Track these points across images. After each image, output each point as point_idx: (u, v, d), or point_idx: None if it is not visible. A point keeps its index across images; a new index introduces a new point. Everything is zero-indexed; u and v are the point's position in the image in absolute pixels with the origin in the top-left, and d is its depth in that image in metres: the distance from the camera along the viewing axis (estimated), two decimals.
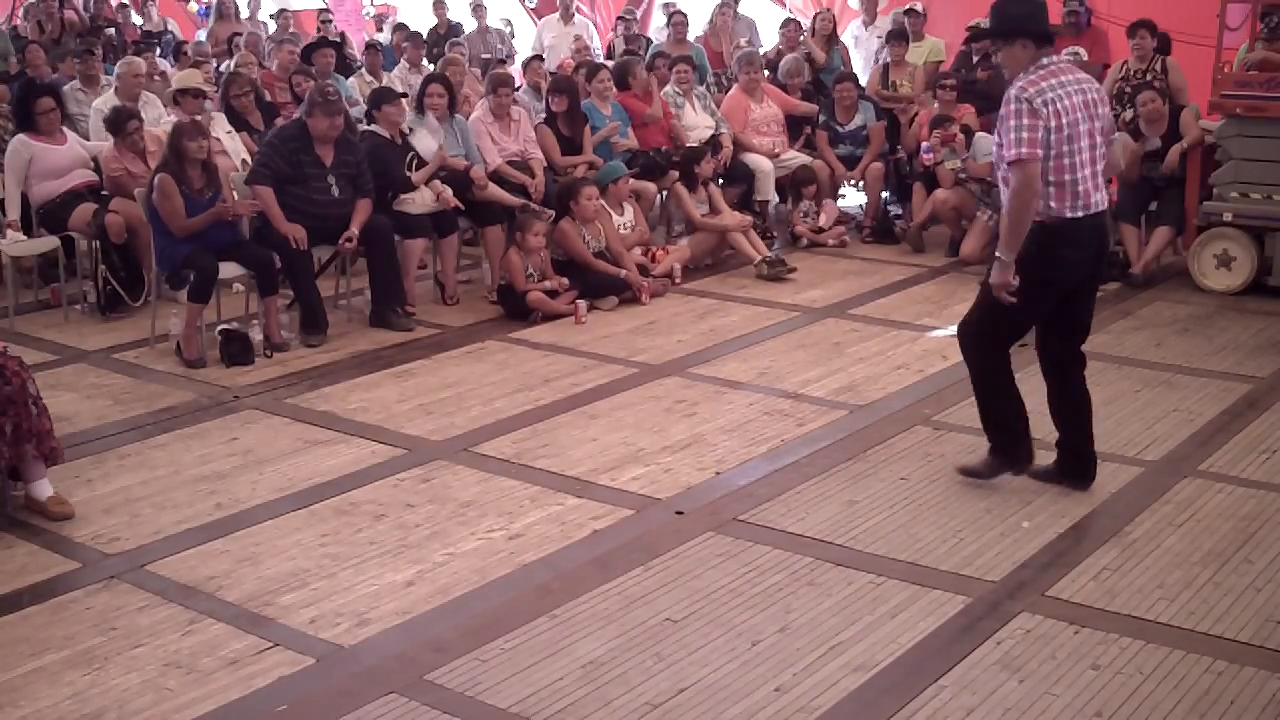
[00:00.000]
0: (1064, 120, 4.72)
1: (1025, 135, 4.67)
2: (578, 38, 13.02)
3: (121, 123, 8.14)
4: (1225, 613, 4.22)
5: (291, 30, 13.78)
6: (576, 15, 14.02)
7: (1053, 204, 4.78)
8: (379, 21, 16.50)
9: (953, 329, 7.33)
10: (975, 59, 10.80)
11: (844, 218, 10.15)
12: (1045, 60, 4.80)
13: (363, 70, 11.40)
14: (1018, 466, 5.20)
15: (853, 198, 10.88)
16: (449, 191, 8.12)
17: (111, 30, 12.92)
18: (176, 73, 9.88)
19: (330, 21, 15.04)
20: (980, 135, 9.34)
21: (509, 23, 15.31)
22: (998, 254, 4.84)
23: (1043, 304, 4.97)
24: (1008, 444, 5.18)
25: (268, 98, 9.73)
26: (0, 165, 8.24)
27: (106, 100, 8.96)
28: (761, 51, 11.68)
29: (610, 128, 9.39)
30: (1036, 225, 4.77)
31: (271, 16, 15.23)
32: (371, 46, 12.15)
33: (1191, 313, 7.82)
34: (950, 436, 5.80)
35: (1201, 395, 6.32)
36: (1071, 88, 4.78)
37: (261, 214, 7.44)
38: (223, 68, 11.57)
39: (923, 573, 4.52)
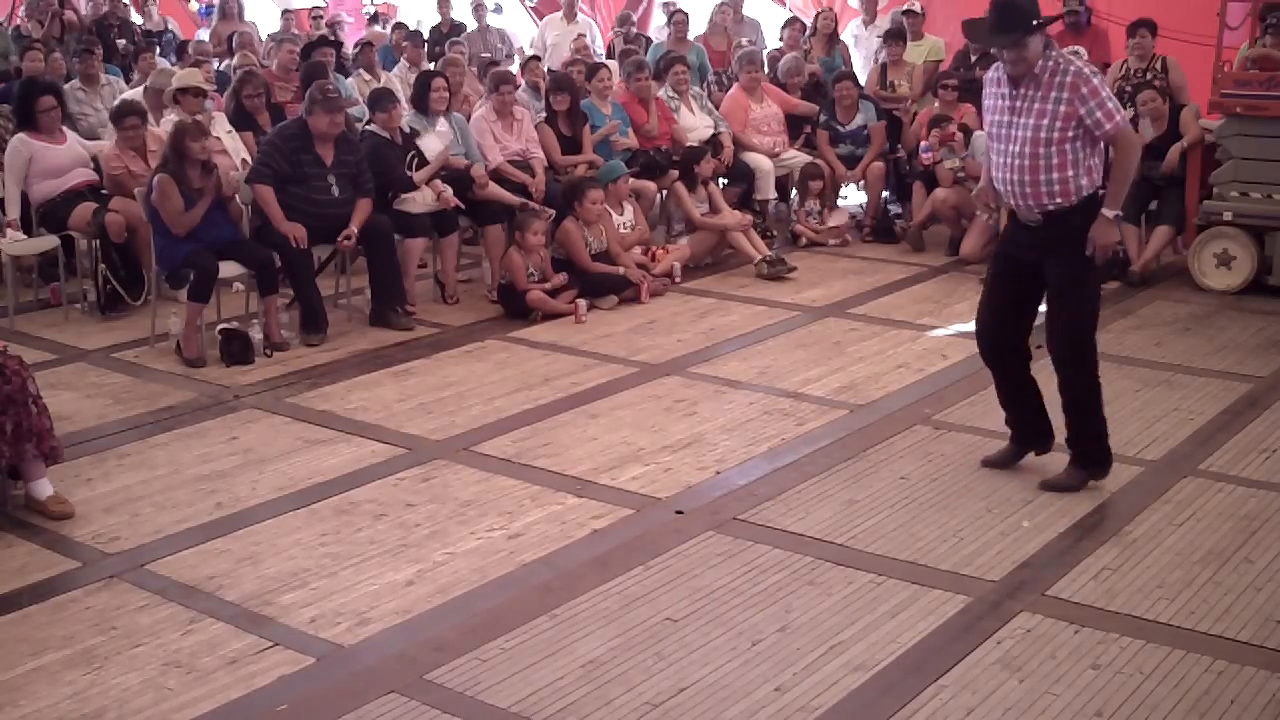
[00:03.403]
0: None
1: (1117, 102, 4.97)
2: (579, 36, 13.01)
3: (123, 116, 8.14)
4: (1225, 612, 4.22)
5: (293, 30, 13.78)
6: (578, 14, 14.01)
7: (1097, 176, 4.99)
8: (382, 20, 16.47)
9: (953, 329, 7.41)
10: (974, 58, 10.80)
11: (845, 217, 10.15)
12: (1051, 44, 4.99)
13: (361, 70, 11.40)
14: (1103, 473, 5.21)
15: (853, 197, 10.88)
16: (449, 191, 8.12)
17: (117, 35, 12.91)
18: (178, 72, 9.87)
19: (334, 23, 15.07)
20: (979, 134, 9.34)
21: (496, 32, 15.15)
22: (1109, 211, 4.93)
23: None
24: (1101, 451, 5.19)
25: (273, 98, 9.72)
26: (0, 164, 8.24)
27: (134, 95, 8.97)
28: (765, 52, 11.68)
29: (610, 126, 9.39)
30: (1089, 198, 4.96)
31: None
32: (367, 44, 12.14)
33: (1191, 312, 7.82)
34: (950, 436, 5.80)
35: (1201, 395, 6.32)
36: None
37: (261, 213, 7.44)
38: (223, 66, 11.57)
39: (923, 572, 4.52)
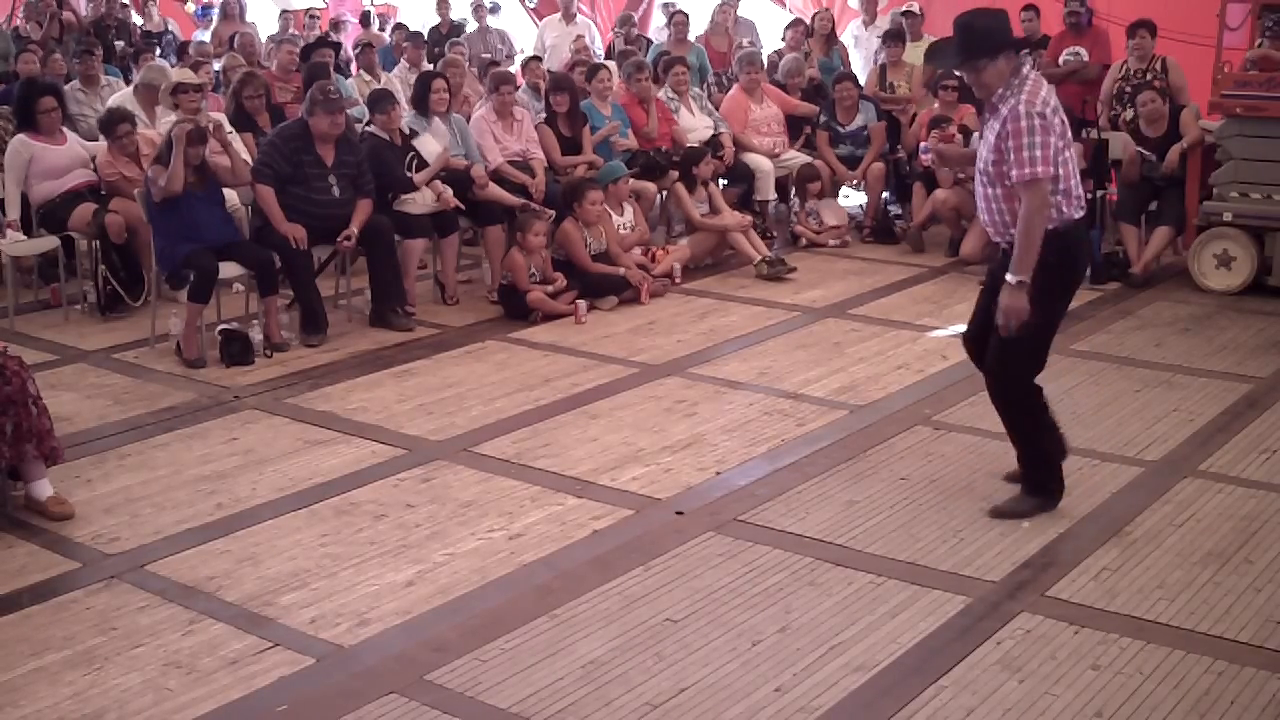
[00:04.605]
0: (1064, 126, 4.72)
1: (1039, 153, 4.57)
2: (579, 37, 13.02)
3: (112, 125, 8.14)
4: (1225, 613, 4.22)
5: (292, 30, 13.79)
6: (578, 15, 14.01)
7: (1064, 209, 4.72)
8: (381, 20, 16.49)
9: (953, 329, 7.40)
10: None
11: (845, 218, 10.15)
12: (1023, 69, 4.73)
13: (361, 71, 11.40)
14: (1054, 502, 5.00)
15: (853, 197, 10.89)
16: (449, 191, 8.12)
17: (115, 35, 12.92)
18: (167, 68, 9.85)
19: (337, 22, 15.08)
20: (979, 136, 9.33)
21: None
22: (1013, 278, 4.63)
23: (1062, 315, 4.92)
24: (1050, 480, 4.99)
25: (273, 99, 9.73)
26: (0, 165, 8.24)
27: (123, 97, 8.97)
28: (764, 54, 11.68)
29: (610, 127, 9.39)
30: (1052, 234, 4.67)
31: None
32: (367, 45, 12.15)
33: (1191, 313, 7.82)
34: (950, 436, 5.80)
35: (1201, 395, 6.32)
36: (1052, 90, 4.78)
37: (261, 213, 7.45)
38: (221, 67, 11.57)
39: (923, 573, 4.52)
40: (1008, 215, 4.77)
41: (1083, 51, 10.39)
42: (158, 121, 8.68)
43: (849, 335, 7.46)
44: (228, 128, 8.44)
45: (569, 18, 13.66)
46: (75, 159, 8.32)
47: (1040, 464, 5.00)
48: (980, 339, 5.05)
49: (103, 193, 8.25)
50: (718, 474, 5.46)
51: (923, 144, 9.41)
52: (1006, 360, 4.86)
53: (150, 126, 8.63)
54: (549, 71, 10.92)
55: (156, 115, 8.77)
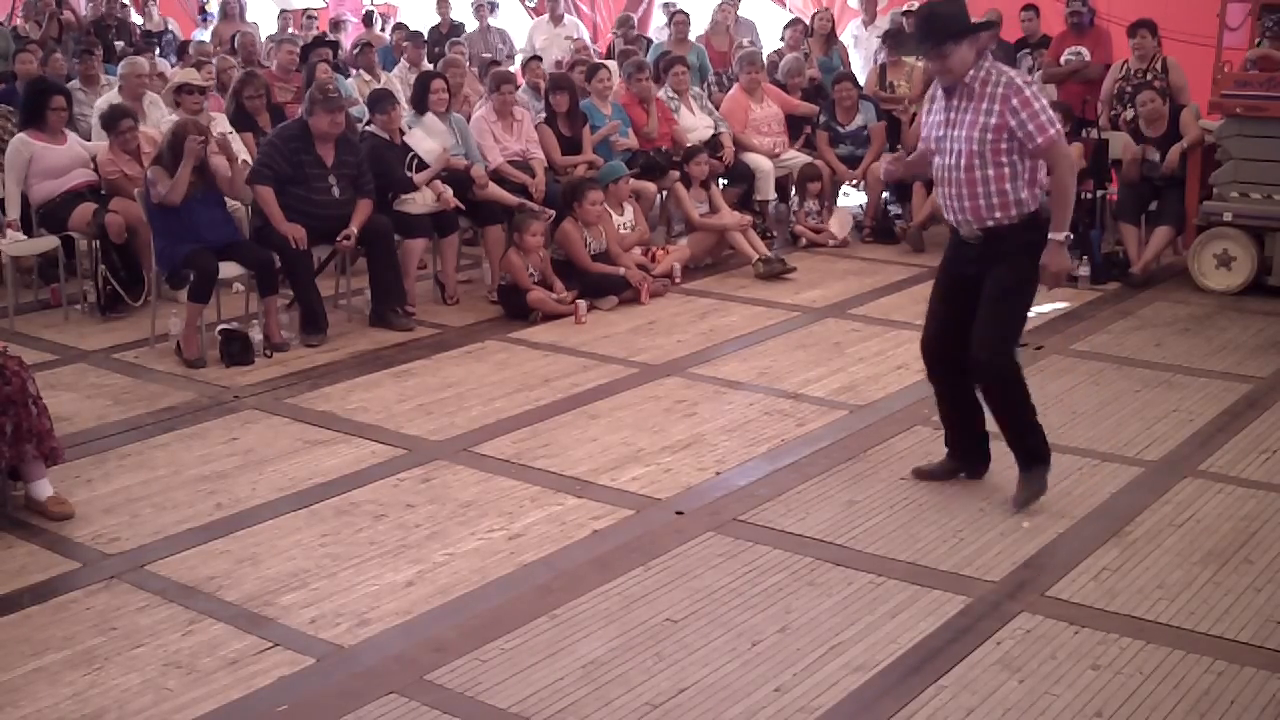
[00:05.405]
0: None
1: (1052, 114, 4.75)
2: (570, 38, 13.01)
3: (115, 120, 8.15)
4: (1225, 613, 4.22)
5: (290, 30, 13.80)
6: (566, 16, 14.00)
7: (1039, 190, 4.83)
8: (380, 20, 16.48)
9: None
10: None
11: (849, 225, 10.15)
12: (986, 54, 4.84)
13: (361, 70, 11.41)
14: (1046, 466, 5.05)
15: (853, 197, 10.88)
16: (449, 191, 8.12)
17: (115, 35, 12.93)
18: (142, 60, 9.84)
19: (338, 22, 15.07)
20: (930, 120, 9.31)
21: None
22: (1057, 235, 4.77)
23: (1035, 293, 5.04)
24: (1042, 444, 5.03)
25: (273, 99, 9.73)
26: (0, 165, 8.24)
27: (109, 99, 8.98)
28: (764, 53, 11.69)
29: (610, 126, 9.39)
30: (1032, 215, 4.81)
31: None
32: (366, 45, 12.15)
33: (1191, 313, 7.82)
34: None
35: (1201, 395, 6.32)
36: None
37: (261, 214, 7.45)
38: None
39: (923, 573, 4.52)
40: (995, 197, 4.79)
41: (1084, 51, 10.39)
42: (146, 116, 8.70)
43: (849, 335, 7.46)
44: (228, 129, 8.47)
45: (556, 19, 13.66)
46: (75, 159, 8.32)
47: (1029, 430, 5.04)
48: (945, 345, 5.11)
49: (103, 193, 8.25)
50: (718, 474, 5.46)
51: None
52: (1004, 340, 4.94)
53: (141, 121, 8.62)
54: (549, 72, 10.92)
55: (143, 108, 8.78)
